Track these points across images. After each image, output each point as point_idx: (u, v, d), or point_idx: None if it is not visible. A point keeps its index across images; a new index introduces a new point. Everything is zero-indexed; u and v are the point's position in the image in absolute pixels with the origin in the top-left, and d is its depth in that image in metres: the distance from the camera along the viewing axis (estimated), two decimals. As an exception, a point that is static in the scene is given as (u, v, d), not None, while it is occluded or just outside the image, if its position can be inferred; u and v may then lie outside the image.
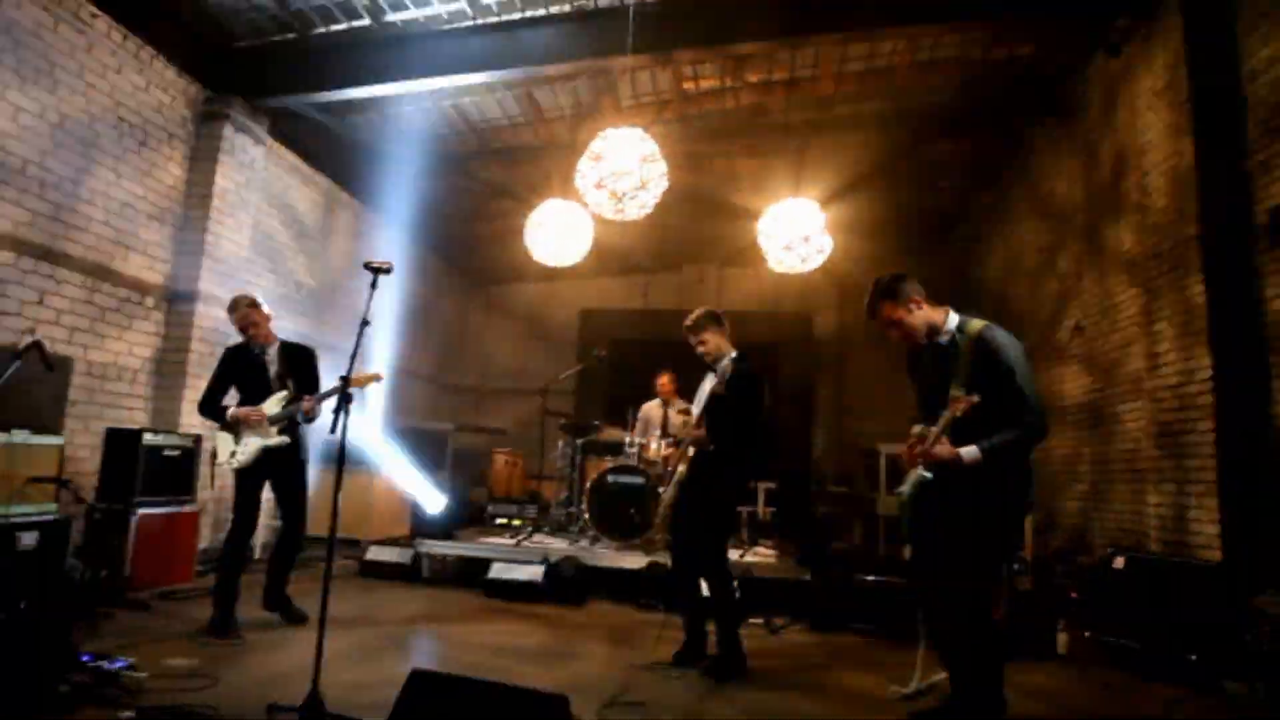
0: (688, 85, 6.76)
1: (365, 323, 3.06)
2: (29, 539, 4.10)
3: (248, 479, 4.19)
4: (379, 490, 6.73)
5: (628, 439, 6.21)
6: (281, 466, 4.24)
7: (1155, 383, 5.09)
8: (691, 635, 3.91)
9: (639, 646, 4.21)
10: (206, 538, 5.94)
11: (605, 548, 5.78)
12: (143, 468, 4.82)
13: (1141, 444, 5.39)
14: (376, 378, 4.07)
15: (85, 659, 3.18)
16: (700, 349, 3.95)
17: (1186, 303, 4.75)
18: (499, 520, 6.90)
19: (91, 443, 5.21)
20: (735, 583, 3.92)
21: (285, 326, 7.14)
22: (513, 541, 6.03)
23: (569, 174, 6.04)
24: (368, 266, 3.10)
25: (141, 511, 4.76)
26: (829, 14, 5.47)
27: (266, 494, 4.32)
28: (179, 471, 5.15)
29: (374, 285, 3.11)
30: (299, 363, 4.37)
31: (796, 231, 5.79)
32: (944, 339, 3.00)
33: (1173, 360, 4.93)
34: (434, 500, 6.74)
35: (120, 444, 4.86)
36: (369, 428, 7.25)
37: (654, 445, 5.90)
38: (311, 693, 2.84)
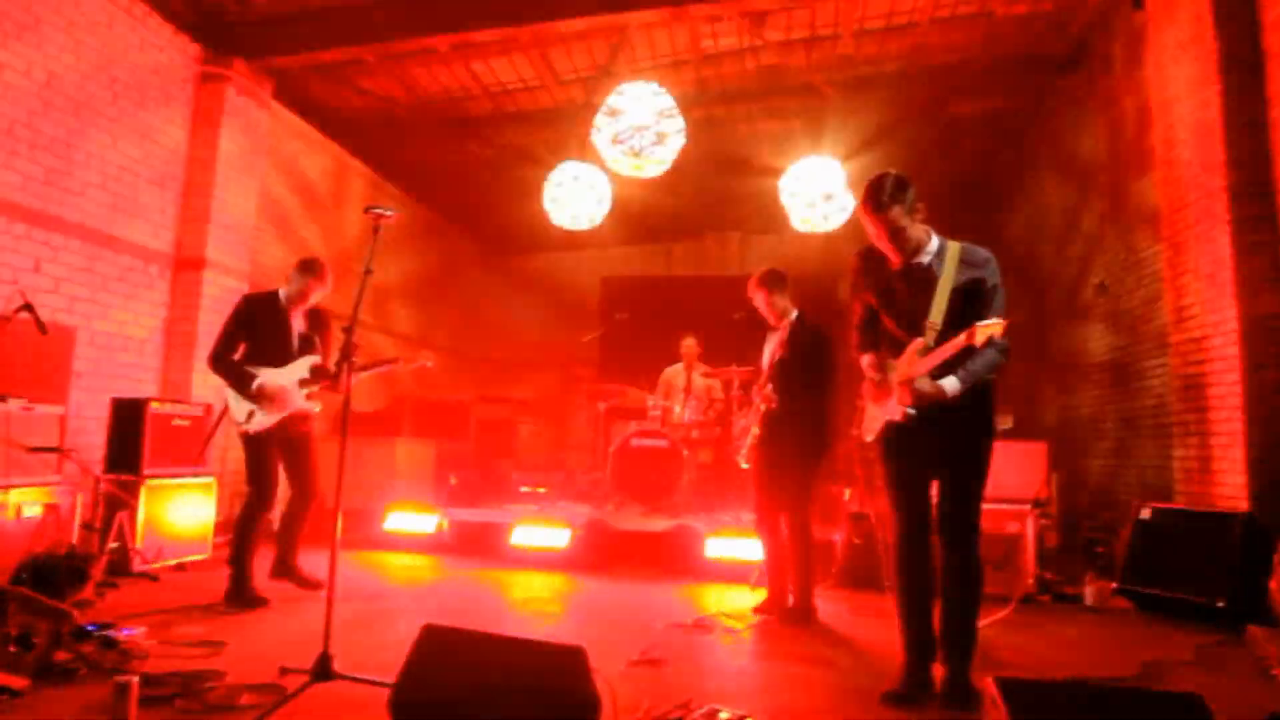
0: (706, 44, 6.56)
1: (368, 271, 2.92)
2: (31, 510, 4.03)
3: (265, 444, 4.00)
4: (399, 458, 6.63)
5: (650, 401, 6.11)
6: (294, 432, 4.09)
7: (1181, 336, 5.00)
8: (774, 589, 4.01)
9: (664, 607, 4.16)
10: (223, 511, 5.86)
11: (629, 512, 5.70)
12: (151, 437, 4.69)
13: (1166, 399, 5.34)
14: (426, 363, 4.07)
15: (90, 628, 3.11)
16: (774, 310, 3.95)
17: (1213, 255, 4.64)
18: (524, 489, 6.83)
19: (100, 415, 5.08)
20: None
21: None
22: (536, 507, 5.96)
23: (587, 138, 5.87)
24: (368, 211, 2.96)
25: (151, 482, 4.64)
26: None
27: None
28: (190, 441, 5.02)
29: (376, 231, 2.97)
30: (320, 326, 4.23)
31: (818, 189, 5.63)
32: (926, 259, 2.78)
33: (1198, 314, 4.83)
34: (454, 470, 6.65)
35: (126, 413, 4.72)
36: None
37: (677, 409, 5.82)
38: (322, 653, 2.76)
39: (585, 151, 6.60)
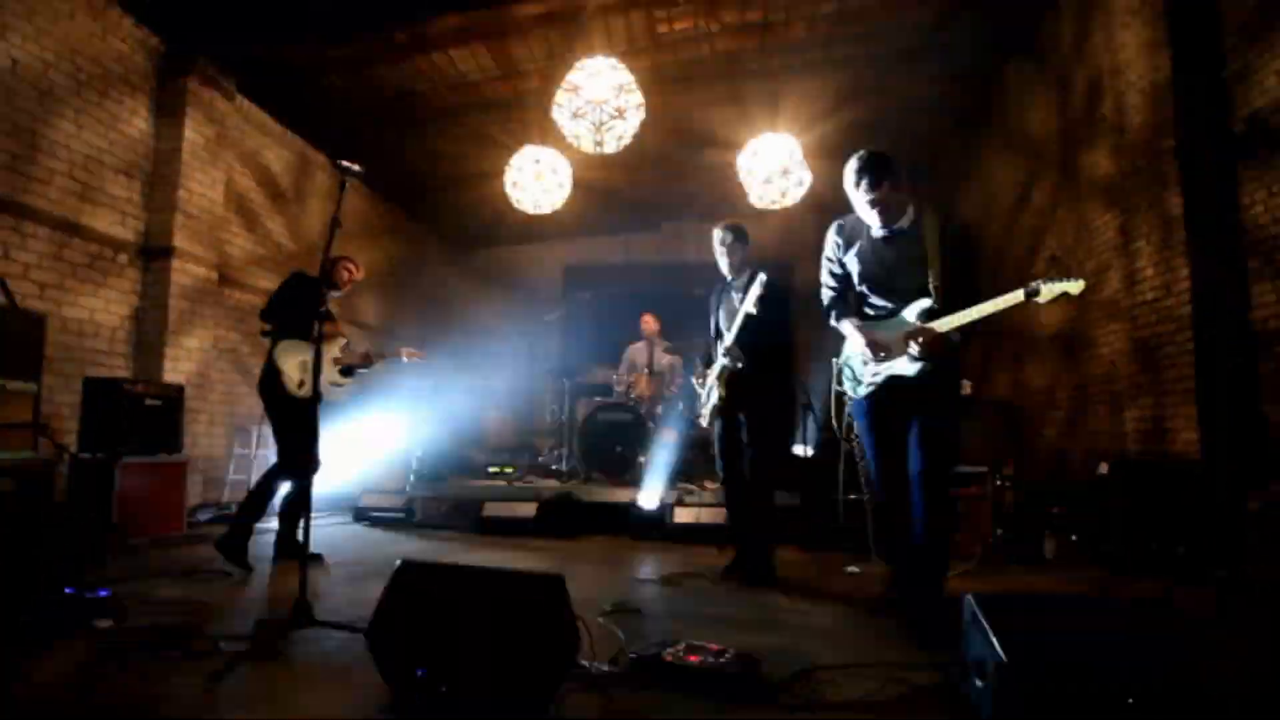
0: (662, 30, 6.68)
1: (336, 222, 3.01)
2: (4, 484, 4.04)
3: (308, 408, 4.01)
4: (368, 439, 6.68)
5: (615, 377, 6.21)
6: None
7: (1133, 300, 5.15)
8: (740, 550, 4.02)
9: (635, 568, 4.25)
10: (196, 495, 5.89)
11: (597, 484, 5.80)
12: (125, 418, 4.73)
13: (1117, 364, 5.47)
14: (422, 356, 4.20)
15: (68, 591, 3.14)
16: (728, 259, 3.96)
17: (1164, 216, 4.80)
18: (491, 469, 6.89)
19: (72, 400, 5.10)
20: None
21: (265, 288, 7.08)
22: (504, 483, 6.03)
23: (546, 125, 5.95)
24: (335, 164, 3.05)
25: (126, 461, 4.67)
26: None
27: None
28: (163, 422, 5.05)
29: (343, 187, 3.06)
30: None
31: (776, 164, 5.77)
32: (905, 223, 3.01)
33: (1150, 276, 4.98)
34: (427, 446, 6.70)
35: (99, 393, 4.76)
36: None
37: (643, 382, 5.90)
38: (301, 599, 2.83)
39: (546, 139, 6.71)
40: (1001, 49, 7.11)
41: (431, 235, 11.03)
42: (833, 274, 3.24)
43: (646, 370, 6.35)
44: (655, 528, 5.24)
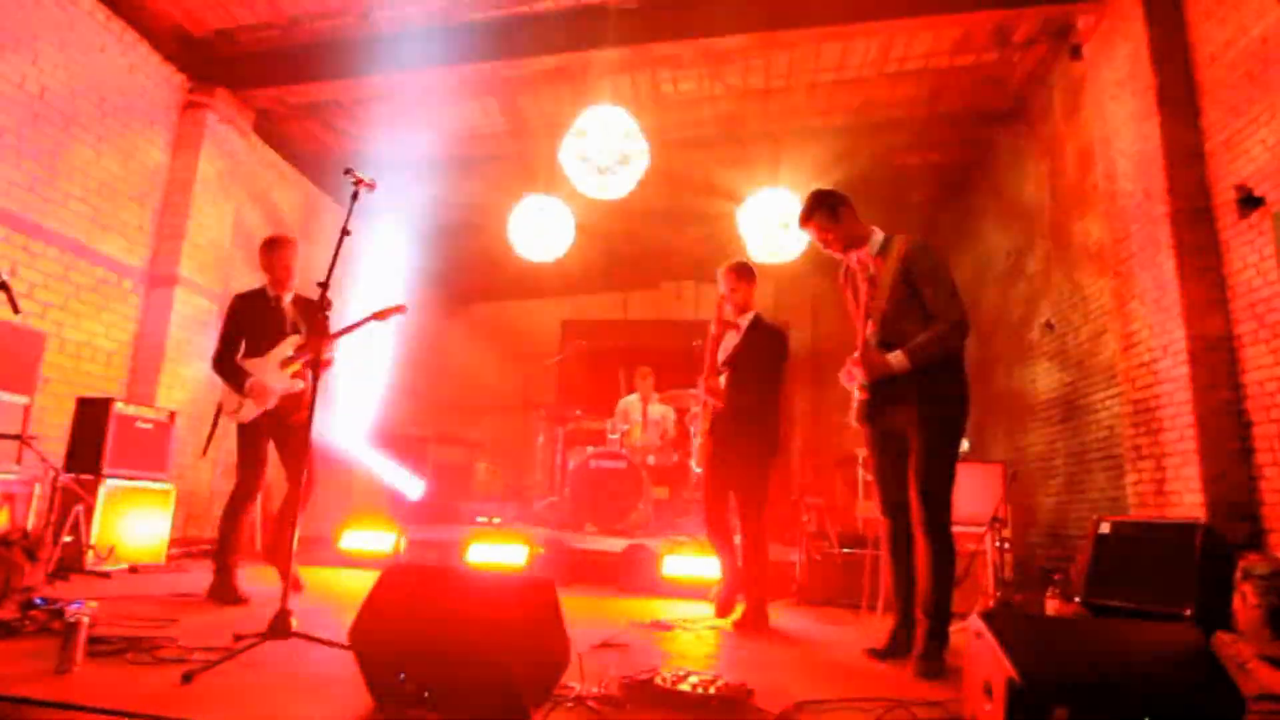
0: (666, 89, 6.92)
1: (345, 232, 3.05)
2: (-16, 496, 3.97)
3: (256, 433, 3.96)
4: (357, 485, 6.58)
5: (609, 425, 6.18)
6: (290, 422, 3.95)
7: (1129, 363, 5.18)
8: (726, 596, 3.95)
9: (624, 613, 4.12)
10: (178, 528, 5.75)
11: (588, 533, 5.68)
12: (113, 438, 4.68)
13: (1116, 429, 5.47)
14: (400, 309, 3.98)
15: (38, 601, 3.06)
16: (736, 296, 3.98)
17: (1158, 279, 4.87)
18: (480, 518, 6.77)
19: (63, 422, 5.03)
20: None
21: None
22: (496, 524, 5.92)
23: (550, 178, 6.10)
24: (348, 173, 3.10)
25: (110, 482, 4.60)
26: (802, 11, 5.67)
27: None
28: (152, 446, 5.00)
29: (354, 198, 3.11)
30: (312, 311, 3.96)
31: (776, 219, 5.89)
32: (872, 249, 3.15)
33: (1146, 338, 5.03)
34: (414, 488, 6.59)
35: (90, 412, 4.72)
36: (345, 426, 7.12)
37: (636, 433, 5.87)
38: (279, 610, 2.74)
39: (550, 191, 6.87)
40: (993, 120, 7.34)
41: (429, 286, 11.13)
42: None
43: (641, 420, 6.34)
44: (646, 578, 5.12)
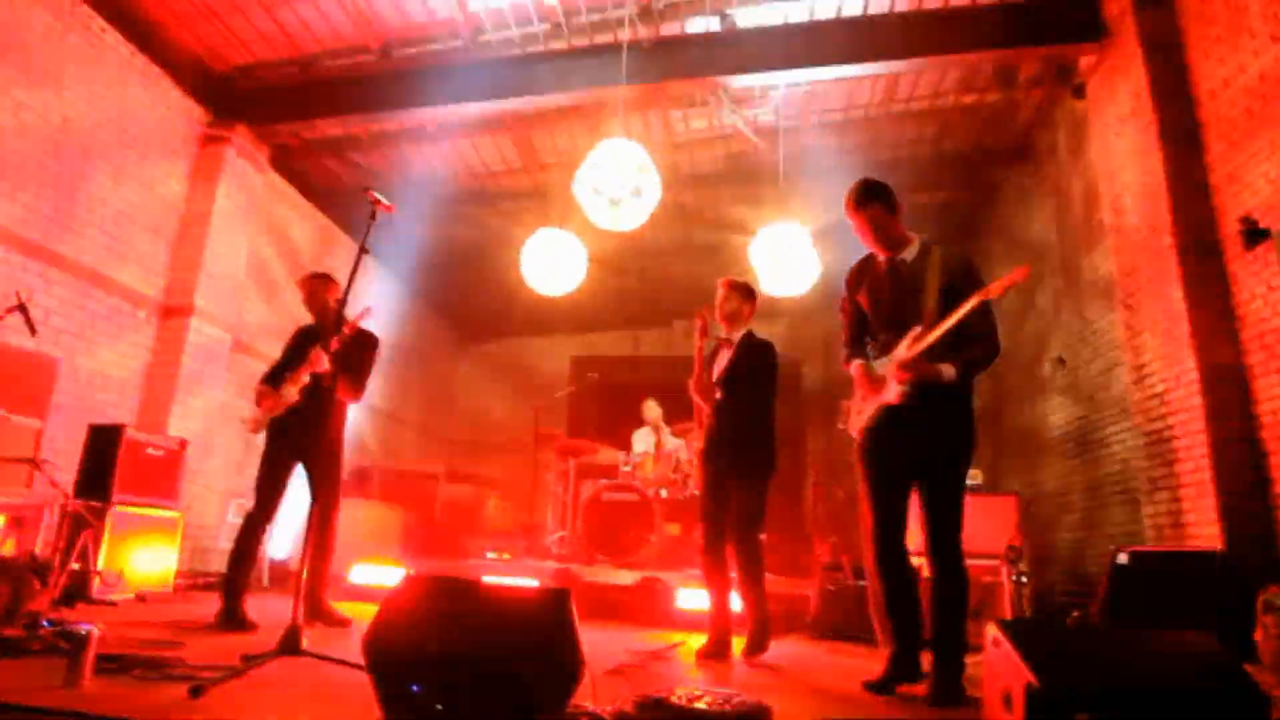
0: (679, 129, 7.06)
1: (364, 250, 3.08)
2: (-9, 520, 3.94)
3: (278, 451, 3.96)
4: (365, 520, 6.52)
5: (622, 457, 6.15)
6: (308, 439, 3.88)
7: (1142, 394, 5.16)
8: (716, 628, 3.75)
9: (637, 645, 4.03)
10: (184, 560, 5.69)
11: (600, 566, 5.61)
12: (123, 465, 4.65)
13: (1131, 463, 5.44)
14: (365, 312, 3.87)
15: (45, 623, 3.02)
16: (727, 307, 3.93)
17: (1168, 310, 4.88)
18: (490, 553, 6.70)
19: (73, 450, 5.00)
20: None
21: (278, 357, 7.12)
22: (506, 559, 5.85)
23: (563, 214, 6.17)
24: (366, 192, 3.14)
25: (118, 509, 4.56)
26: (811, 51, 5.80)
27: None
28: (162, 474, 4.96)
29: (372, 217, 3.14)
30: (358, 344, 4.09)
31: (787, 251, 5.94)
32: (909, 256, 3.01)
33: (1158, 369, 5.02)
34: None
35: (102, 437, 4.71)
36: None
37: (649, 464, 5.84)
38: (290, 628, 2.69)
39: (564, 226, 6.94)
40: (999, 158, 7.45)
41: (441, 322, 11.21)
42: (845, 315, 3.25)
43: (654, 452, 6.31)
44: (660, 611, 5.04)
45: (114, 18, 5.44)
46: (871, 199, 3.01)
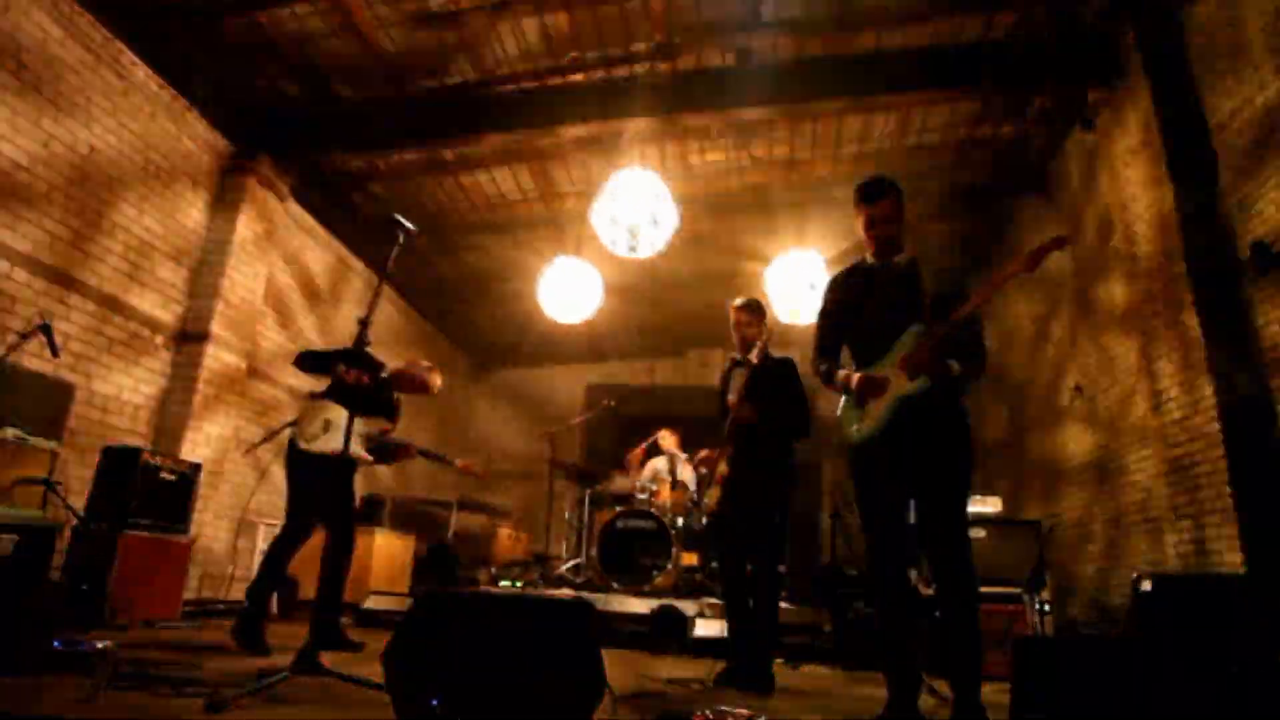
0: (694, 160, 7.13)
1: (386, 272, 3.10)
2: (7, 542, 3.91)
3: (309, 471, 3.94)
4: (378, 549, 6.48)
5: (638, 484, 6.11)
6: (337, 473, 3.91)
7: (1161, 421, 5.13)
8: (737, 654, 3.68)
9: (653, 673, 3.96)
10: (193, 588, 5.65)
11: (614, 594, 5.53)
12: (137, 488, 4.62)
13: (1153, 489, 5.36)
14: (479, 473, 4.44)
15: (56, 645, 2.99)
16: (746, 329, 3.93)
17: (1183, 337, 4.87)
18: (503, 582, 6.62)
19: (85, 475, 5.00)
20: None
21: (291, 384, 7.18)
22: (518, 588, 5.78)
23: (579, 244, 6.22)
24: (391, 219, 3.18)
25: (130, 533, 4.53)
26: (825, 85, 5.89)
27: None
28: (175, 498, 4.93)
29: (399, 243, 3.17)
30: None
31: (803, 280, 5.97)
32: (903, 260, 2.95)
33: (1176, 395, 4.99)
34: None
35: (117, 461, 4.69)
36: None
37: (665, 491, 5.80)
38: (307, 645, 2.66)
39: (580, 255, 7.01)
40: (1012, 189, 7.49)
41: (456, 350, 11.25)
42: (826, 323, 3.13)
43: (669, 480, 6.26)
44: (675, 640, 4.96)
45: (144, 52, 5.57)
46: (887, 192, 2.96)
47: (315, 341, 7.66)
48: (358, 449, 4.02)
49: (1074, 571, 6.51)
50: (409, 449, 4.44)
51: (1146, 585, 4.43)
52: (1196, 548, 4.72)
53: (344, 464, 3.80)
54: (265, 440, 4.53)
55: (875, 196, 2.95)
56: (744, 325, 3.95)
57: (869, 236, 2.97)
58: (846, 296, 3.06)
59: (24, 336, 3.76)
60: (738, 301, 4.02)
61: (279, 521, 6.53)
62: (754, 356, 3.87)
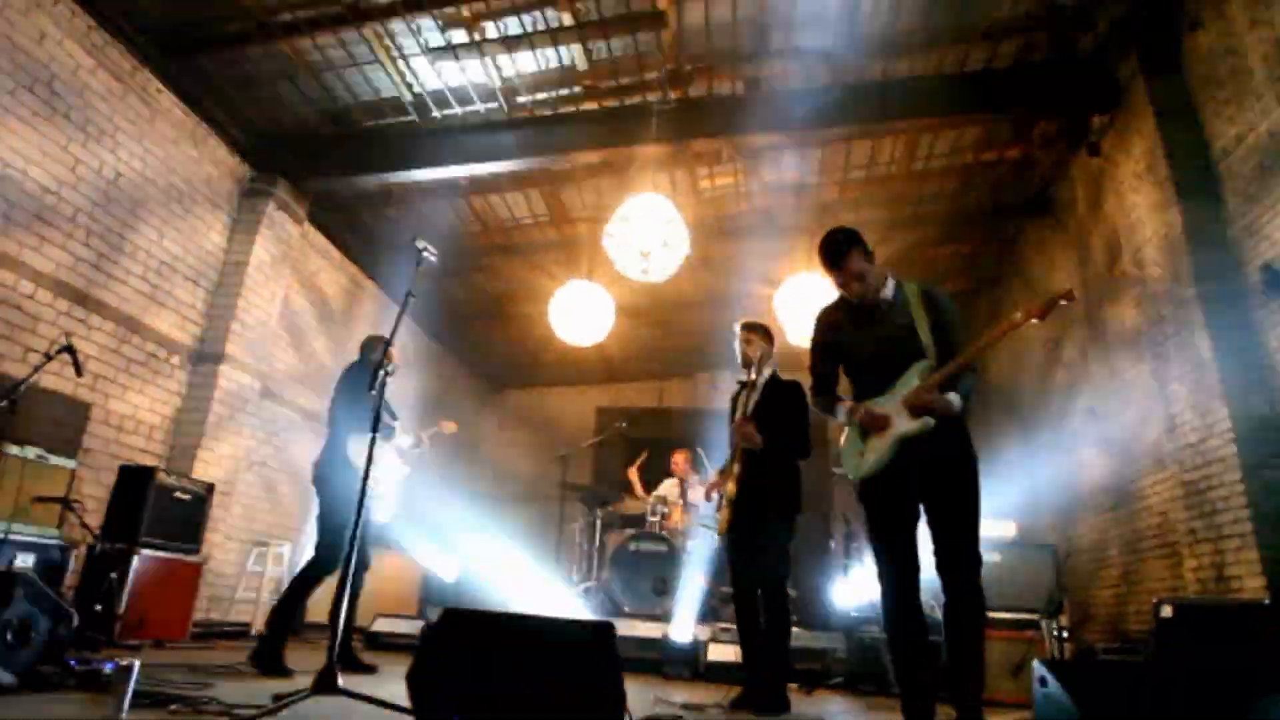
0: (704, 185, 7.21)
1: (410, 295, 3.14)
2: (25, 560, 3.94)
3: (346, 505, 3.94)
4: (386, 570, 6.46)
5: (649, 508, 6.10)
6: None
7: (1175, 444, 5.10)
8: (750, 677, 3.68)
9: (667, 697, 3.94)
10: (201, 608, 5.64)
11: (626, 617, 5.50)
12: (151, 508, 4.65)
13: (1170, 513, 5.33)
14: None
15: (71, 663, 3.00)
16: (746, 347, 3.91)
17: (1195, 360, 4.88)
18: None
19: (99, 494, 5.05)
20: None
21: (303, 405, 7.22)
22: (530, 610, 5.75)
23: (591, 267, 6.28)
24: (414, 241, 3.22)
25: (144, 552, 4.55)
26: (833, 112, 5.96)
27: None
28: (188, 518, 4.96)
29: (418, 264, 3.22)
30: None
31: (813, 302, 5.98)
32: (887, 294, 2.91)
33: (1190, 418, 4.97)
34: (448, 568, 6.47)
35: (132, 480, 4.74)
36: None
37: (677, 514, 5.79)
38: (327, 665, 2.65)
39: (591, 278, 7.07)
40: (1019, 212, 7.54)
41: (466, 372, 11.29)
42: (823, 360, 3.10)
43: (681, 503, 6.26)
44: (688, 665, 4.93)
45: (170, 81, 5.71)
46: (849, 249, 2.86)
47: (328, 363, 7.72)
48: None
49: (1090, 597, 6.45)
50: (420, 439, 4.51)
51: (1168, 611, 4.38)
52: (1216, 573, 4.67)
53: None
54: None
55: (839, 259, 2.86)
56: (743, 344, 3.96)
57: (856, 289, 2.90)
58: (838, 332, 3.04)
59: (49, 357, 3.80)
60: (738, 322, 4.05)
61: (288, 543, 6.59)
62: (753, 374, 3.88)
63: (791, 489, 3.77)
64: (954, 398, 2.72)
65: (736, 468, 3.77)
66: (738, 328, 4.02)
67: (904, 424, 2.74)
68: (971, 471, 2.76)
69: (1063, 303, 2.67)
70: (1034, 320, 2.67)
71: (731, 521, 3.76)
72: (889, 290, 2.93)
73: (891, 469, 2.76)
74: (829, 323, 3.09)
